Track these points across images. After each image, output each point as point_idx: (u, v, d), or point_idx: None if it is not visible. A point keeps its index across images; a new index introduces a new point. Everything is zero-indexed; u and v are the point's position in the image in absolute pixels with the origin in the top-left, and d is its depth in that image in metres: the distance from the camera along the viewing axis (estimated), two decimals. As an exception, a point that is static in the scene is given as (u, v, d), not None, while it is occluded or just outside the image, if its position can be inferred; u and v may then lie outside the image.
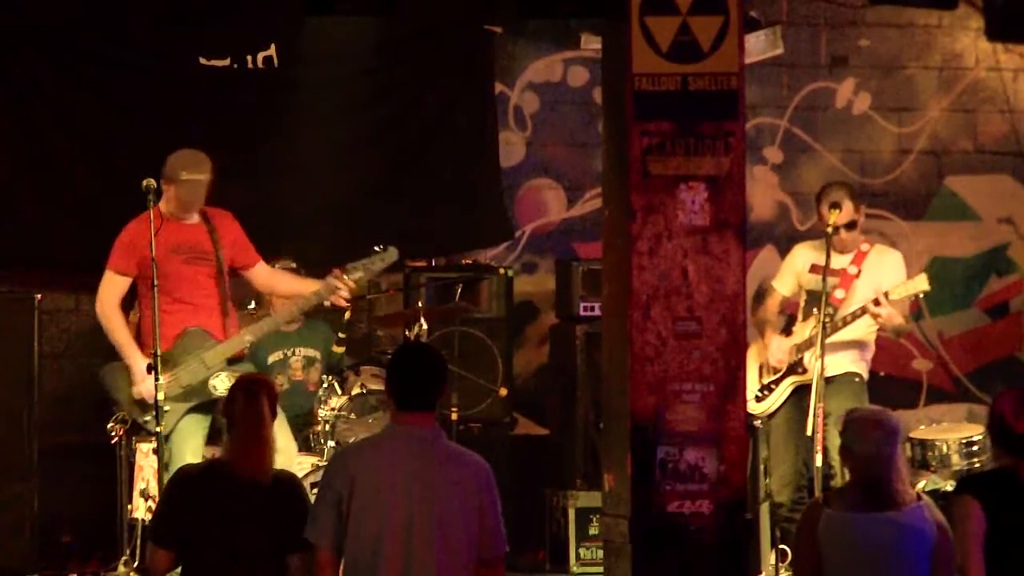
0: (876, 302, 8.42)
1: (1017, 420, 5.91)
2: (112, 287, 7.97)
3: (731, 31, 6.94)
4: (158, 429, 7.59)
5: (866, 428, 6.01)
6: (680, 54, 6.92)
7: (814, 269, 8.66)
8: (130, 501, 8.71)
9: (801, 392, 8.57)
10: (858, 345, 8.69)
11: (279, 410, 7.65)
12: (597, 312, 8.83)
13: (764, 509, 8.80)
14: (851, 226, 8.56)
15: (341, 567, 5.79)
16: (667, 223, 6.89)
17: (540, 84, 10.50)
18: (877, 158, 10.77)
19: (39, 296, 9.09)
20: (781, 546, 8.72)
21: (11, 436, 8.91)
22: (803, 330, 8.70)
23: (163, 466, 7.58)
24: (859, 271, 8.62)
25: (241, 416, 6.08)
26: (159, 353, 7.51)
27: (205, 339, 7.87)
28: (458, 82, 10.16)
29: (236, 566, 5.89)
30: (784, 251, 10.24)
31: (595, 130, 9.90)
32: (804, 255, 8.79)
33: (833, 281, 8.46)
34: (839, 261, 8.52)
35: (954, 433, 9.07)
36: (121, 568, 8.63)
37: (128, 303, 8.13)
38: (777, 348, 8.71)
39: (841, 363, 8.62)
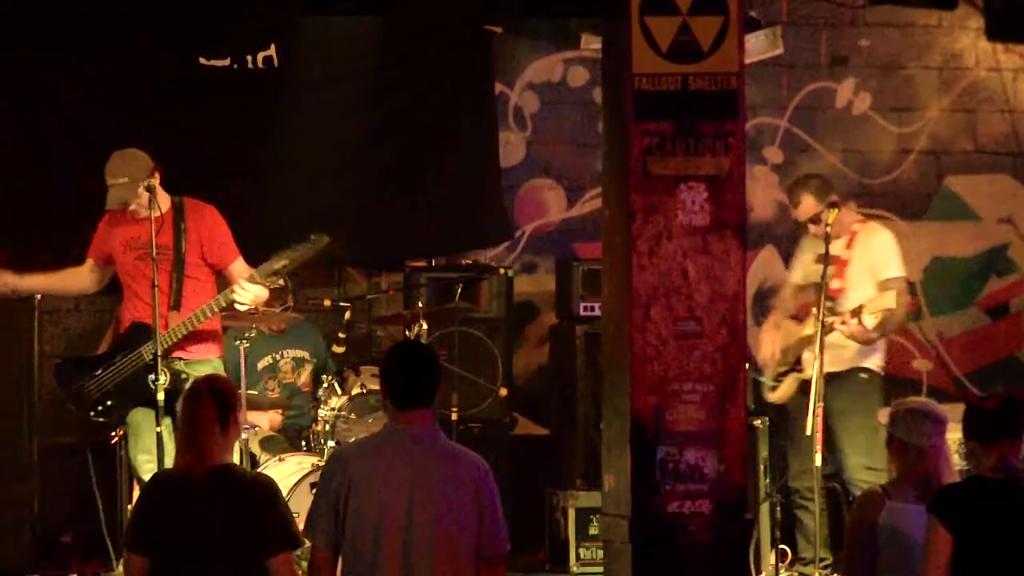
0: (854, 312, 8.45)
1: (984, 402, 5.96)
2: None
3: (731, 31, 6.95)
4: (158, 429, 7.63)
5: (916, 420, 6.03)
6: (680, 54, 6.92)
7: (819, 260, 8.70)
8: (130, 501, 8.71)
9: (805, 388, 8.60)
10: None
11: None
12: (597, 312, 8.83)
13: (764, 509, 8.80)
14: (815, 220, 8.61)
15: (339, 567, 5.79)
16: (667, 223, 6.89)
17: (540, 84, 10.49)
18: (877, 158, 10.77)
19: (39, 296, 9.09)
20: (781, 546, 8.73)
21: (11, 436, 8.91)
22: (802, 328, 8.72)
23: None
24: (849, 257, 8.64)
25: (180, 418, 6.07)
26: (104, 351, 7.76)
27: (147, 334, 7.85)
28: (458, 82, 10.15)
29: (206, 571, 5.82)
30: (784, 251, 10.25)
31: (595, 130, 9.89)
32: (810, 245, 8.81)
33: (832, 271, 8.48)
34: (836, 247, 8.51)
35: (954, 434, 9.03)
36: (121, 568, 8.63)
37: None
38: (787, 334, 8.76)
39: (844, 358, 8.62)
